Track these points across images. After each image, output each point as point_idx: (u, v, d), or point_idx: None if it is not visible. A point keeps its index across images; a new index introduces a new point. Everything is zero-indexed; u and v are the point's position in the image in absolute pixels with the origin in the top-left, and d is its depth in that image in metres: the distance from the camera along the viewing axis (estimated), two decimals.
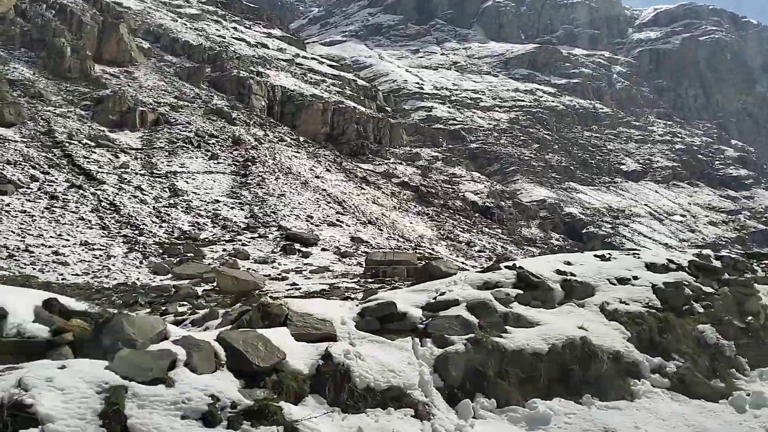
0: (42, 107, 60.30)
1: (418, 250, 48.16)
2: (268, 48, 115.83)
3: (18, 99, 59.39)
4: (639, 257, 15.45)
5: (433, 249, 50.81)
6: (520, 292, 11.50)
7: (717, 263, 17.35)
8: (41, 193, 44.03)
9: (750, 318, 13.00)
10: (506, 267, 13.09)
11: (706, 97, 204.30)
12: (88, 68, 70.78)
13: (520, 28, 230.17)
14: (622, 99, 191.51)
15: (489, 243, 60.62)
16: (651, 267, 14.47)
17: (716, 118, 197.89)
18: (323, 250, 41.26)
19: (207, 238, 42.44)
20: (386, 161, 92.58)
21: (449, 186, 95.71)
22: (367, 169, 79.85)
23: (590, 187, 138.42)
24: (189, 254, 38.14)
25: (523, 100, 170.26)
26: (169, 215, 45.33)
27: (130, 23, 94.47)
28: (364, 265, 37.07)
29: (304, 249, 40.82)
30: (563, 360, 9.18)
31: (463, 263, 46.27)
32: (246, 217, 47.66)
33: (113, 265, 34.90)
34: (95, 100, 64.63)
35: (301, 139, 78.92)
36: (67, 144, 54.25)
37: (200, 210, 47.89)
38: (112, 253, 36.93)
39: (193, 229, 43.82)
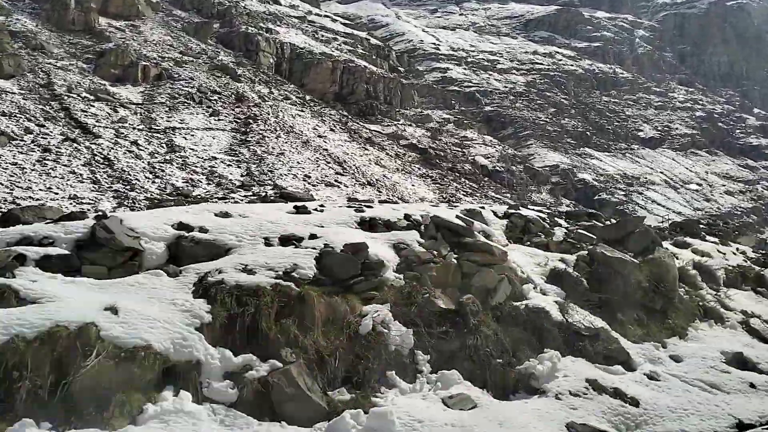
0: (43, 59, 59.56)
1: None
2: (280, 4, 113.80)
3: (19, 51, 58.68)
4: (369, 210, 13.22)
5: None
6: None
7: (519, 222, 16.19)
8: (34, 145, 43.53)
9: (467, 298, 10.19)
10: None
11: (730, 65, 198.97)
12: (92, 21, 69.72)
13: None
14: (644, 64, 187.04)
15: (493, 207, 59.49)
16: (364, 223, 12.30)
17: (739, 86, 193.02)
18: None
19: (200, 195, 41.77)
20: (395, 122, 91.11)
21: (459, 149, 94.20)
22: (374, 130, 78.60)
23: (605, 153, 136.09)
24: None
25: (541, 63, 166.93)
26: (163, 171, 44.73)
27: None
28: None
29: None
30: None
31: None
32: (242, 175, 46.96)
33: None
34: (98, 53, 63.77)
35: (308, 97, 77.64)
36: (65, 97, 53.59)
37: (196, 167, 47.23)
38: (101, 208, 36.45)
39: (187, 186, 43.22)
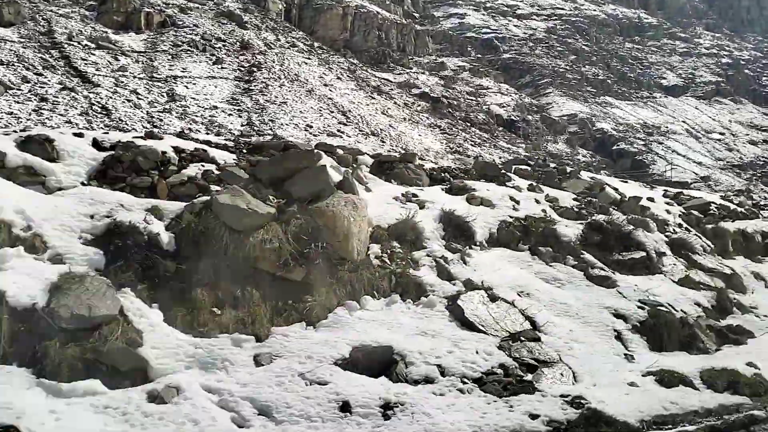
0: (44, 6, 58.53)
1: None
2: None
3: None
4: None
5: (436, 162, 48.70)
6: None
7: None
8: (31, 95, 42.87)
9: None
10: None
11: (760, 9, 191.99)
12: None
13: None
14: (670, 8, 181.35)
15: (500, 158, 58.10)
16: None
17: None
18: None
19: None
20: (408, 70, 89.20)
21: (473, 98, 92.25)
22: (385, 79, 76.94)
23: (627, 102, 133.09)
24: None
25: (562, 8, 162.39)
26: (161, 120, 43.97)
27: None
28: None
29: None
30: None
31: None
32: (242, 125, 46.12)
33: None
34: (99, 0, 62.49)
35: (316, 45, 75.88)
36: (65, 45, 52.66)
37: (196, 116, 46.42)
38: None
39: (186, 131, 42.51)
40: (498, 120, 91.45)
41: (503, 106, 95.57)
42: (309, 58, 67.11)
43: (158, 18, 63.69)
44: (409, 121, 59.79)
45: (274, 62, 61.24)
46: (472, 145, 59.83)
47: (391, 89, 71.77)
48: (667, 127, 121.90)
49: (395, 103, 65.22)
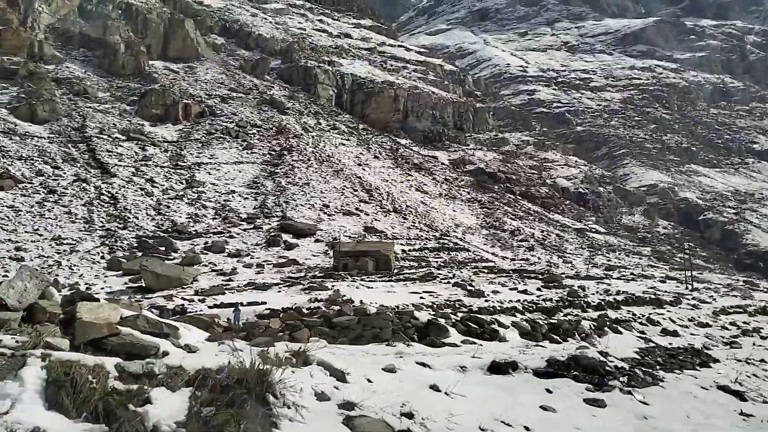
0: (84, 104, 59.57)
1: (440, 240, 42.37)
2: (351, 38, 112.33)
3: (61, 96, 59.05)
4: None
5: (461, 239, 44.61)
6: None
7: None
8: (41, 188, 42.23)
9: None
10: None
11: None
12: (141, 64, 69.88)
13: (639, 2, 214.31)
14: (757, 71, 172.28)
15: (542, 231, 53.15)
16: None
17: None
18: (317, 241, 36.56)
19: (196, 230, 38.86)
20: (464, 147, 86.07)
21: (536, 172, 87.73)
22: (431, 156, 74.08)
23: (715, 169, 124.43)
24: (161, 248, 34.64)
25: (639, 78, 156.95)
26: (168, 207, 42.25)
27: (205, 20, 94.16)
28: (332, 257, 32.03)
29: (292, 241, 36.30)
30: None
31: (485, 251, 40.02)
32: (254, 208, 43.83)
33: (69, 261, 31.95)
34: (140, 95, 63.36)
35: (360, 127, 74.38)
36: (95, 138, 52.81)
37: (209, 201, 44.56)
38: (79, 248, 34.07)
39: (189, 222, 40.45)
40: (564, 193, 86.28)
41: (570, 179, 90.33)
42: (348, 140, 65.29)
43: (197, 109, 63.79)
44: (446, 196, 56.13)
45: (308, 145, 59.62)
46: (512, 218, 55.15)
47: (434, 166, 68.63)
48: (762, 194, 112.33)
49: (434, 179, 61.89)
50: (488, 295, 22.70)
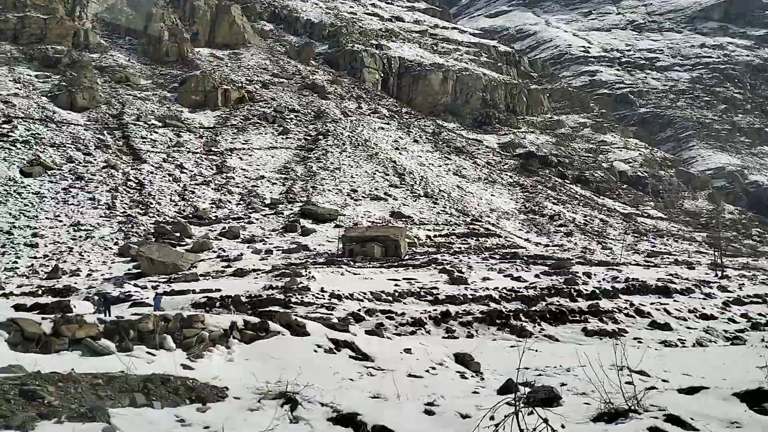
0: (125, 91, 59.88)
1: (470, 225, 40.44)
2: (403, 21, 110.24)
3: (103, 84, 59.53)
4: None
5: (494, 224, 42.43)
6: None
7: None
8: (70, 174, 42.35)
9: None
10: None
11: None
12: (185, 51, 69.94)
13: None
14: None
15: (585, 216, 50.19)
16: None
17: None
18: (336, 227, 35.22)
19: (216, 216, 38.15)
20: (515, 130, 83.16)
21: (591, 155, 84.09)
22: (475, 139, 71.64)
23: None
24: (176, 234, 33.99)
25: (709, 57, 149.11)
26: (193, 193, 41.71)
27: (255, 7, 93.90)
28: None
29: (310, 226, 35.11)
30: None
31: (518, 237, 37.89)
32: (280, 194, 42.87)
33: (81, 247, 31.65)
34: (180, 81, 63.36)
35: (404, 110, 72.57)
36: (131, 125, 52.91)
37: (236, 187, 43.85)
38: (95, 234, 33.78)
39: (212, 207, 39.80)
40: (622, 177, 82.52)
41: (629, 162, 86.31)
42: (388, 124, 63.64)
43: (236, 94, 63.32)
44: (486, 180, 53.86)
45: (345, 129, 58.34)
46: (554, 203, 52.37)
47: (477, 149, 66.17)
48: None
49: (475, 163, 59.54)
50: (473, 282, 20.89)
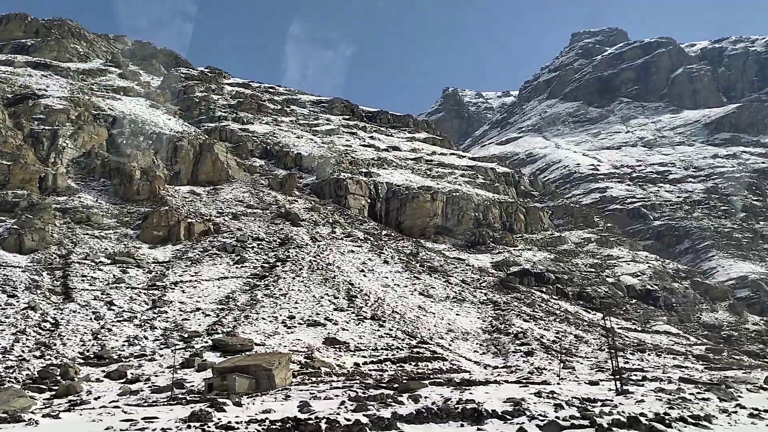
0: (82, 231, 57.56)
1: (414, 349, 35.33)
2: (400, 150, 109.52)
3: (61, 225, 57.43)
4: None
5: (445, 346, 37.19)
6: None
7: None
8: None
9: None
10: None
11: None
12: (157, 189, 68.38)
13: (720, 91, 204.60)
14: None
15: (557, 333, 44.50)
16: None
17: None
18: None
19: (122, 354, 33.76)
20: (511, 248, 78.75)
21: (594, 270, 78.74)
22: (458, 258, 67.22)
23: None
24: (58, 377, 29.54)
25: (723, 167, 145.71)
26: (110, 331, 37.57)
27: (246, 145, 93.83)
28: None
29: (214, 359, 30.46)
30: None
31: (469, 360, 32.57)
32: (208, 326, 38.55)
33: None
34: (142, 217, 61.14)
35: (383, 233, 69.18)
36: (77, 264, 49.89)
37: (165, 322, 39.69)
38: None
39: (123, 345, 35.48)
40: (630, 291, 76.70)
41: (637, 276, 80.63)
42: (360, 246, 59.91)
43: (201, 227, 60.73)
44: (454, 299, 48.92)
45: (309, 254, 54.69)
46: (525, 320, 46.90)
47: (456, 267, 61.69)
48: None
49: (448, 281, 54.83)
50: (238, 419, 15.97)
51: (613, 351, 26.53)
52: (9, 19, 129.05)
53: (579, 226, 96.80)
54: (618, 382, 24.14)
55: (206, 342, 33.94)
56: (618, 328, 53.13)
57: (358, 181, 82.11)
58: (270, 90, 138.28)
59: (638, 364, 35.89)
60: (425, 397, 20.28)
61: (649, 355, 39.86)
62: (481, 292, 53.46)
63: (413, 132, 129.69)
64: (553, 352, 37.41)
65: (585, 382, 27.13)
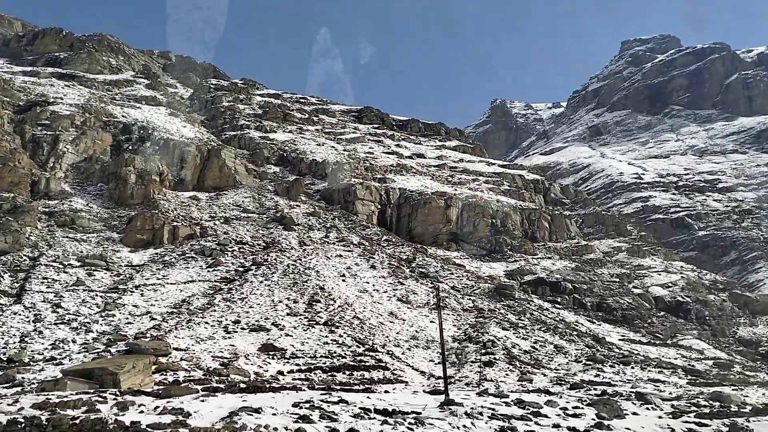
0: (63, 234, 55.54)
1: (358, 357, 31.34)
2: (425, 157, 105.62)
3: (42, 228, 55.64)
4: None
5: (394, 354, 33.01)
6: None
7: None
8: None
9: None
10: None
11: None
12: (151, 193, 66.26)
13: None
14: None
15: (537, 343, 39.35)
16: None
17: None
18: (156, 363, 27.07)
19: (36, 358, 30.80)
20: (530, 257, 73.68)
21: (619, 280, 72.92)
22: (458, 264, 62.69)
23: None
24: None
25: None
26: (41, 333, 34.79)
27: (262, 152, 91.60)
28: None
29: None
30: None
31: (417, 369, 28.40)
32: (147, 329, 35.38)
33: None
34: (127, 220, 58.88)
35: (383, 239, 65.18)
36: (42, 266, 47.64)
37: (108, 325, 36.75)
38: None
39: (47, 349, 32.60)
40: (658, 303, 70.68)
41: (668, 287, 74.39)
42: (350, 251, 56.15)
43: (186, 231, 58.04)
44: (432, 306, 44.57)
45: (289, 258, 51.21)
46: (505, 328, 42.09)
47: (452, 273, 57.22)
48: None
49: (434, 288, 50.47)
50: None
51: (442, 354, 21.95)
52: (45, 34, 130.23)
53: (610, 235, 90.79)
54: (446, 391, 19.76)
55: (122, 347, 30.69)
56: (620, 340, 47.80)
57: (368, 186, 78.45)
58: (301, 100, 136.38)
59: (607, 377, 30.99)
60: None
61: (632, 368, 34.79)
62: (469, 299, 48.93)
63: (444, 140, 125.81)
64: (517, 363, 32.86)
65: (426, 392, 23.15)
